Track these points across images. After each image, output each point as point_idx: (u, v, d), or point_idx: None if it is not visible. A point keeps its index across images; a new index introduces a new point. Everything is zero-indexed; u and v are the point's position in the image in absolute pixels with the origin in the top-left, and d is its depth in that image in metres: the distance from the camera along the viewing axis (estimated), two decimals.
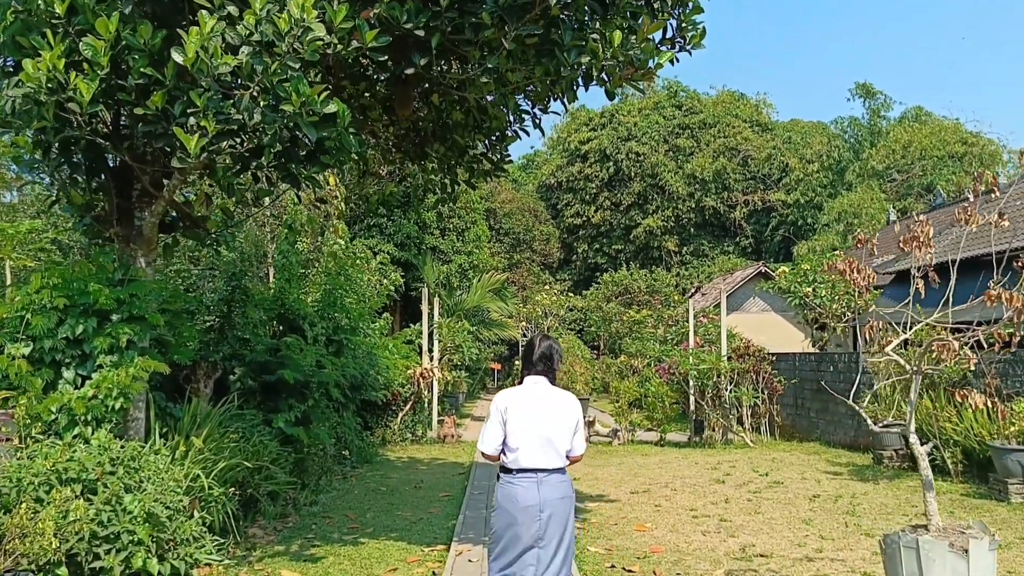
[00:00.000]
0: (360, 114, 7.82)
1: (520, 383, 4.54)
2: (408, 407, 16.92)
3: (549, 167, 55.78)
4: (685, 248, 51.31)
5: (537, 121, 7.98)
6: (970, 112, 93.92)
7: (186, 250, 11.33)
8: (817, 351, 20.32)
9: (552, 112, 7.87)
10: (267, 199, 7.29)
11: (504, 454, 4.36)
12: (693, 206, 50.71)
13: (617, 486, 11.01)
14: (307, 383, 9.98)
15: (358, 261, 14.00)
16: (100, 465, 5.69)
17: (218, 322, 9.69)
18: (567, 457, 4.39)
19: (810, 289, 20.88)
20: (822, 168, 49.41)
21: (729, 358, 16.08)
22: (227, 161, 5.78)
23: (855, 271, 5.63)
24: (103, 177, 6.69)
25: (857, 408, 6.06)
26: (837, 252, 23.99)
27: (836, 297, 20.66)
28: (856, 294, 6.12)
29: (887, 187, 46.13)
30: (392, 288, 16.50)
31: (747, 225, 51.34)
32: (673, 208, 50.56)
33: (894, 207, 42.81)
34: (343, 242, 13.21)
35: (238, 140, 5.55)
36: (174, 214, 7.23)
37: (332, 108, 5.41)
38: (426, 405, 17.60)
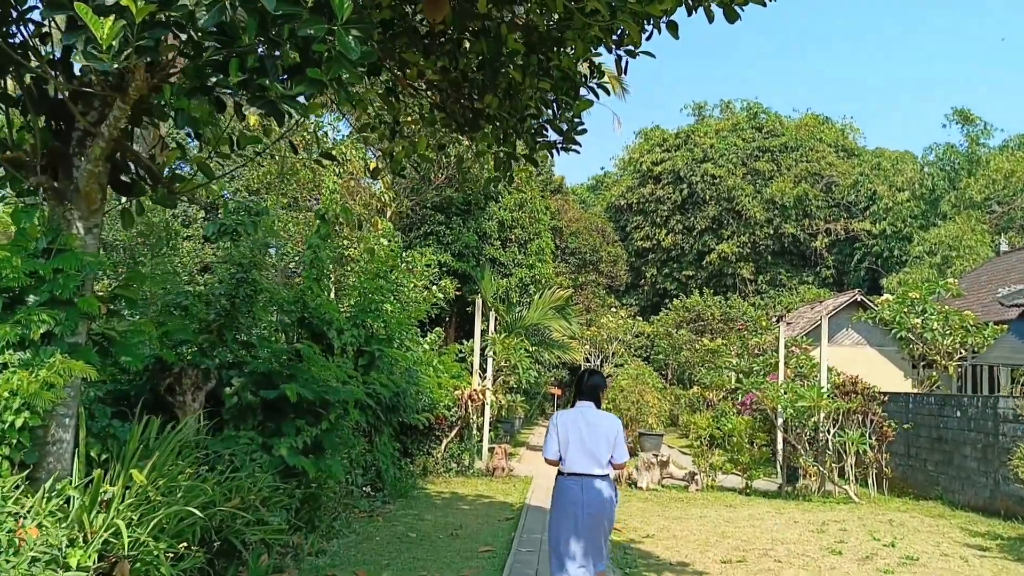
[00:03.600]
0: (389, 57, 5.95)
1: (573, 406, 5.78)
2: (454, 433, 14.97)
3: (619, 188, 53.67)
4: (761, 276, 48.41)
5: (622, 67, 5.98)
6: None
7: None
8: (938, 392, 17.61)
9: (645, 53, 5.85)
10: (254, 146, 5.44)
11: (560, 460, 5.54)
12: (771, 232, 47.88)
13: (702, 550, 8.78)
14: (323, 401, 8.10)
15: (402, 263, 12.15)
16: None
17: (217, 321, 7.91)
18: (611, 465, 5.54)
19: (919, 320, 18.29)
20: (913, 197, 46.04)
21: (831, 395, 13.65)
22: (176, 74, 3.93)
23: None
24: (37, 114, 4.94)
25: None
26: (951, 281, 21.19)
27: (950, 331, 18.03)
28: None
29: (986, 219, 42.73)
30: (440, 296, 14.62)
31: (829, 255, 48.20)
32: (750, 234, 47.81)
33: (993, 240, 39.48)
34: (384, 240, 11.41)
35: (183, 37, 3.70)
36: (136, 171, 5.44)
37: None
38: (475, 431, 15.62)
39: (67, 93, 4.94)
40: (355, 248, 11.79)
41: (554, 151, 7.28)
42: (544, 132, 7.15)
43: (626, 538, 9.37)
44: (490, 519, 10.40)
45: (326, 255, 10.31)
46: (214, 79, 4.07)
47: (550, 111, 7.18)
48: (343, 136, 14.50)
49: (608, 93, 6.94)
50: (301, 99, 4.14)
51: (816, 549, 9.00)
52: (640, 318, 38.32)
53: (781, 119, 53.39)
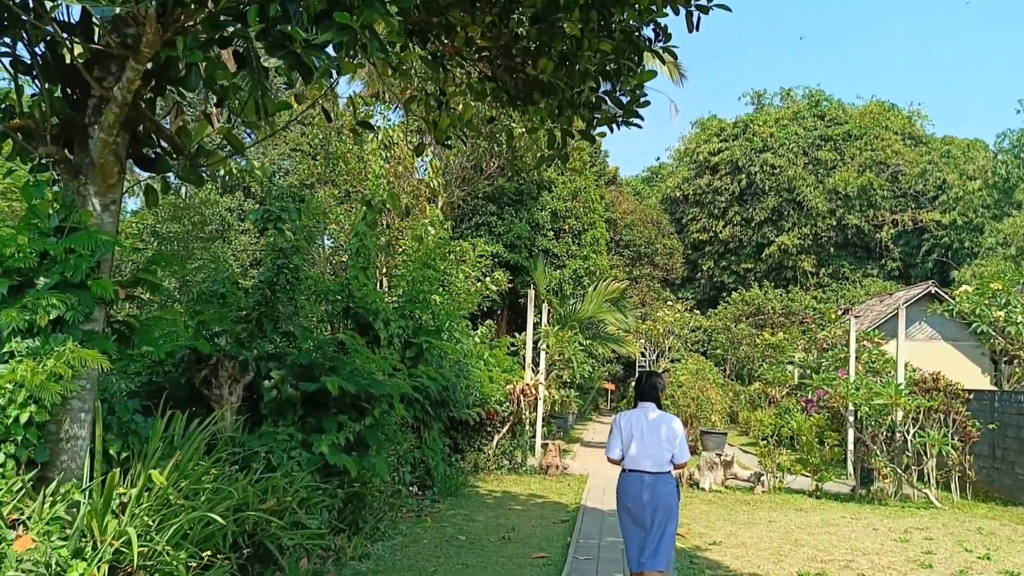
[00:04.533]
0: (434, 15, 5.39)
1: (635, 407, 5.95)
2: (506, 429, 14.43)
3: (675, 179, 52.50)
4: (823, 269, 46.80)
5: (693, 23, 5.33)
6: None
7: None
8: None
9: (719, 6, 5.20)
10: (284, 114, 4.93)
11: (623, 458, 5.74)
12: (834, 224, 46.23)
13: (776, 560, 8.07)
14: (367, 395, 7.63)
15: (451, 253, 11.62)
16: None
17: (256, 310, 7.48)
18: (672, 464, 5.69)
19: (1002, 313, 17.08)
20: (986, 186, 43.94)
21: (910, 392, 12.71)
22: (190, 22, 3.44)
23: None
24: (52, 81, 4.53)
25: None
26: None
27: None
28: None
29: None
30: (493, 288, 14.06)
31: (895, 247, 46.34)
32: (811, 225, 46.26)
33: None
34: (432, 229, 10.90)
35: None
36: (162, 144, 4.99)
37: None
38: (527, 427, 15.06)
39: (82, 60, 4.51)
40: (403, 237, 11.31)
41: (614, 126, 6.66)
42: (603, 105, 6.53)
43: (691, 545, 8.71)
44: (544, 521, 9.83)
45: (372, 243, 9.84)
46: (231, 28, 3.56)
47: (609, 83, 6.57)
48: (392, 124, 14.09)
49: (675, 58, 6.27)
50: (329, 50, 3.61)
51: (902, 561, 8.21)
52: (698, 311, 37.28)
53: (844, 107, 51.53)
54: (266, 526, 5.74)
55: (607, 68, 6.36)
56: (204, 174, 5.10)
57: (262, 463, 6.30)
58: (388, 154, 12.37)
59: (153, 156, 5.02)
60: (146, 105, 4.78)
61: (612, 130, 6.69)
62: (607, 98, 6.50)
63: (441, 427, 11.94)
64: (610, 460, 5.84)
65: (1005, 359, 18.49)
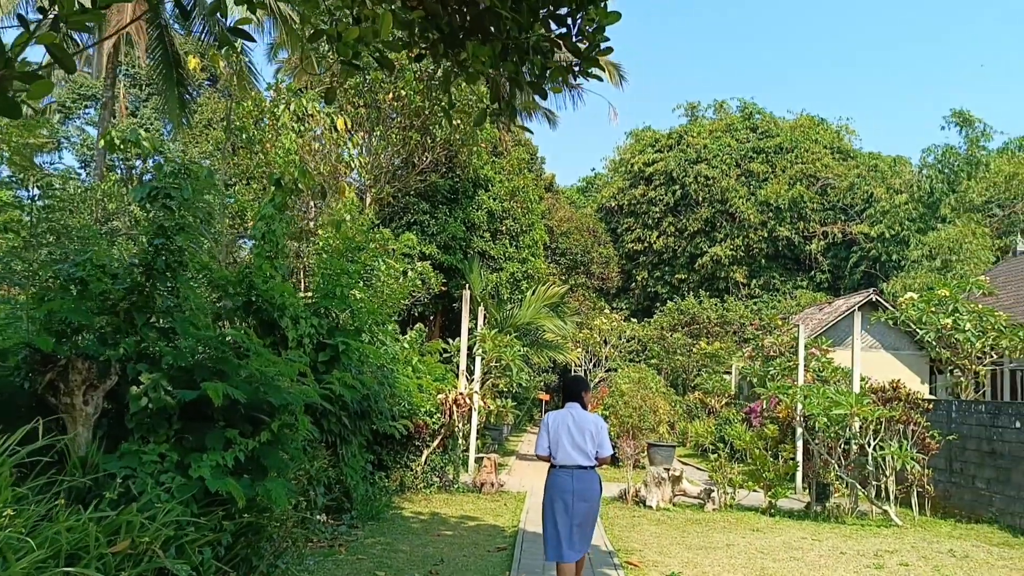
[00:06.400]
0: None
1: (563, 407, 6.46)
2: (437, 443, 13.10)
3: (609, 190, 52.07)
4: (755, 280, 46.89)
5: None
6: None
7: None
8: (997, 400, 15.95)
9: None
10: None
11: (552, 455, 6.24)
12: (765, 235, 46.43)
13: None
14: (268, 406, 6.26)
15: (373, 243, 10.26)
16: None
17: (127, 301, 6.04)
18: (596, 458, 6.20)
19: (949, 320, 16.62)
20: (912, 200, 44.75)
21: (870, 402, 11.90)
22: None
23: None
24: None
25: None
26: (983, 278, 19.58)
27: (985, 331, 16.37)
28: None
29: (986, 222, 41.56)
30: (419, 282, 12.72)
31: (824, 258, 46.81)
32: (743, 237, 46.37)
33: (994, 244, 38.28)
34: (348, 216, 9.52)
35: None
36: None
37: None
38: (460, 440, 13.78)
39: None
40: (316, 222, 9.93)
41: (570, 77, 5.50)
42: (557, 48, 5.37)
43: None
44: (478, 549, 8.59)
45: (281, 228, 8.47)
46: None
47: (564, 28, 5.42)
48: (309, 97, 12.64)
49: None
50: None
51: None
52: (634, 320, 36.61)
53: (776, 120, 51.99)
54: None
55: (558, 12, 5.23)
56: (21, 101, 3.72)
57: (116, 491, 4.89)
58: (302, 127, 10.96)
59: None
60: None
61: (568, 83, 5.56)
62: (561, 42, 5.36)
63: (362, 442, 10.55)
64: (538, 456, 6.36)
65: (951, 368, 18.01)
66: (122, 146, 8.20)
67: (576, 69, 5.44)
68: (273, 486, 5.81)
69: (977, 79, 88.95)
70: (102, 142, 7.64)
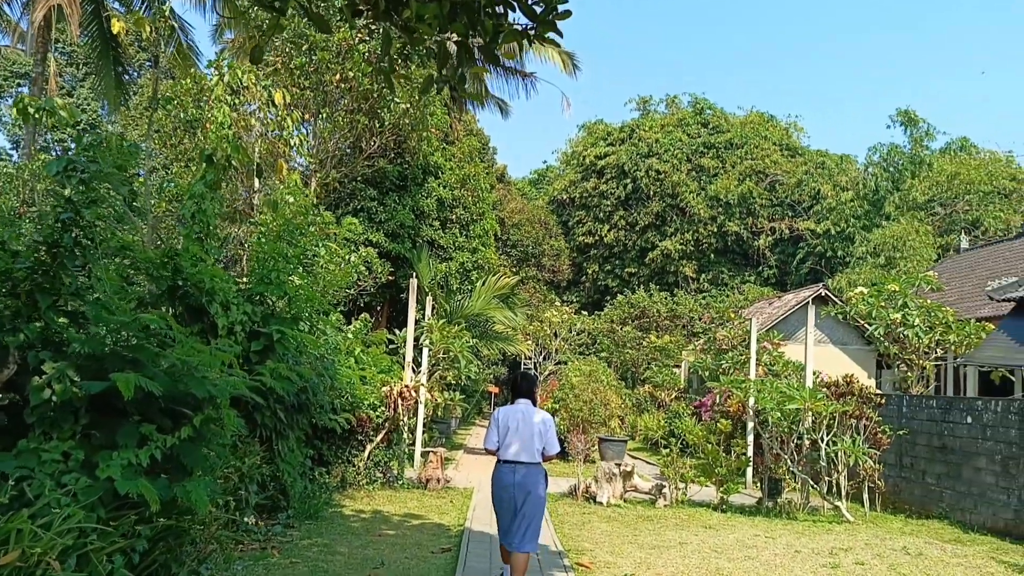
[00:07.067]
0: None
1: (513, 403, 6.49)
2: (381, 437, 12.58)
3: (561, 182, 51.89)
4: (703, 275, 47.18)
5: None
6: (1010, 145, 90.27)
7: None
8: (939, 395, 15.98)
9: None
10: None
11: (499, 450, 6.28)
12: (715, 231, 46.75)
13: None
14: (192, 399, 5.70)
15: (313, 228, 9.67)
16: None
17: (29, 281, 5.43)
18: (542, 455, 6.27)
19: (898, 316, 16.65)
20: (857, 197, 45.50)
21: (823, 396, 11.75)
22: None
23: None
24: None
25: None
26: (931, 274, 19.74)
27: (933, 327, 16.45)
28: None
29: (929, 220, 42.45)
30: (363, 267, 12.15)
31: (771, 254, 47.31)
32: (693, 232, 46.64)
33: (936, 242, 39.09)
34: (292, 198, 8.93)
35: None
36: None
37: None
38: (406, 434, 13.28)
39: None
40: (254, 203, 9.30)
41: (525, 41, 5.07)
42: (510, 9, 4.93)
43: None
44: (421, 550, 8.13)
45: (212, 208, 7.87)
46: None
47: None
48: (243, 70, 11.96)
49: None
50: None
51: None
52: (585, 312, 36.43)
53: (727, 116, 52.35)
54: None
55: None
56: None
57: (8, 494, 4.32)
58: (236, 100, 10.29)
59: None
60: None
61: (522, 47, 5.10)
62: (515, 3, 4.92)
63: (300, 436, 9.99)
64: (487, 450, 6.41)
65: (899, 362, 18.11)
66: (36, 115, 7.51)
67: (532, 32, 5.02)
68: (193, 486, 5.27)
69: (923, 79, 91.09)
70: (14, 111, 6.98)
